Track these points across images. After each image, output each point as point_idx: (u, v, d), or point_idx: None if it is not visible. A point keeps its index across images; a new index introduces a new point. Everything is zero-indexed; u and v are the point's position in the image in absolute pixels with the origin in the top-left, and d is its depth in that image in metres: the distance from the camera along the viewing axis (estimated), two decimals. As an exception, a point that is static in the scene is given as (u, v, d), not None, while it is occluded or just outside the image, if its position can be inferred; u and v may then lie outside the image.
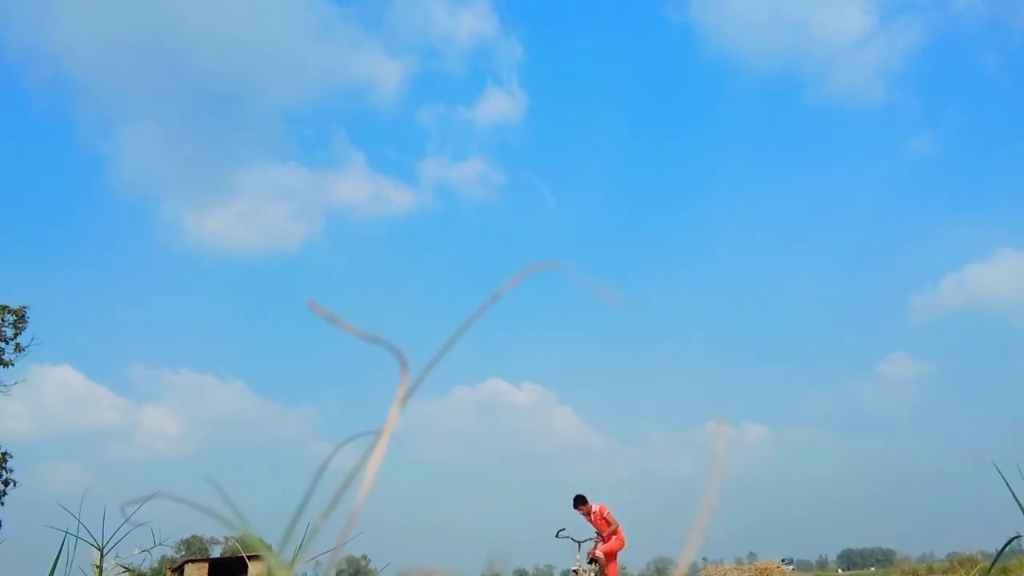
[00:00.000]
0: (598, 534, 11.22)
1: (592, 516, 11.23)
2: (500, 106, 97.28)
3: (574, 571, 10.96)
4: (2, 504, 24.34)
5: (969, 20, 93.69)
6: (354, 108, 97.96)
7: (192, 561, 19.69)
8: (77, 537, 2.96)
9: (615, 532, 11.11)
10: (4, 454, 24.76)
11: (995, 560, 2.20)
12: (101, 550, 3.04)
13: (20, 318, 25.05)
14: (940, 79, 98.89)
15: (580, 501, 11.18)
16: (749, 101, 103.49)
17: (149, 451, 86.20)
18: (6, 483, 24.63)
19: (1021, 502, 2.04)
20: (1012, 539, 2.03)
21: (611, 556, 11.14)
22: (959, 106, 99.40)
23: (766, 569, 21.56)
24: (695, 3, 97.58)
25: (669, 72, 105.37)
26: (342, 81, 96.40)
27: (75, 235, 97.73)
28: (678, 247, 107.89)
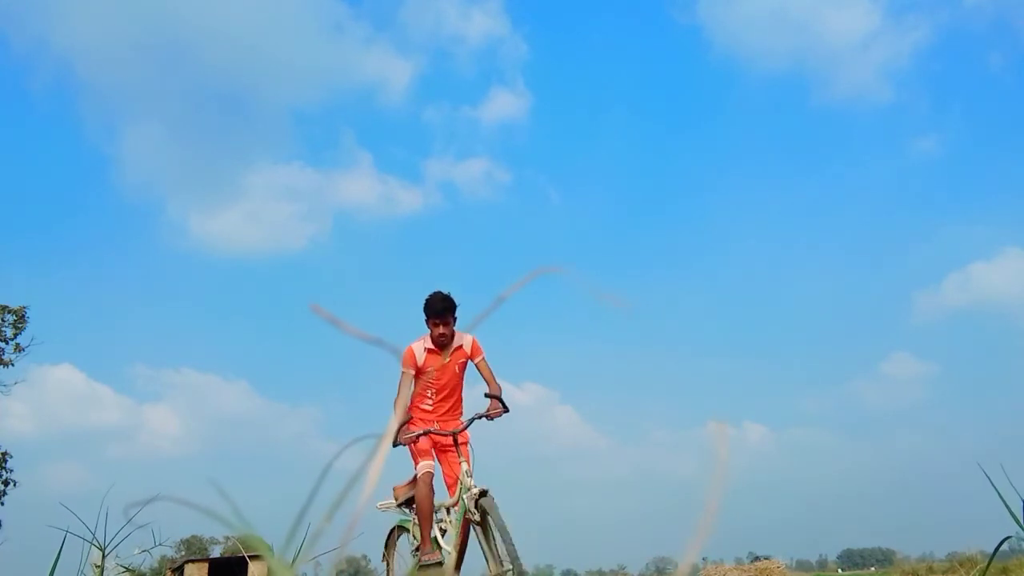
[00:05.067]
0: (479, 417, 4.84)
1: (461, 352, 4.99)
2: (505, 106, 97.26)
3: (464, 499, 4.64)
4: (2, 504, 24.38)
5: (977, 19, 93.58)
6: (363, 108, 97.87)
7: (192, 561, 19.69)
8: (79, 537, 2.97)
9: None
10: (4, 454, 24.77)
11: (989, 561, 2.20)
12: (103, 550, 3.05)
13: (20, 318, 25.05)
14: (947, 78, 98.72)
15: (453, 307, 4.81)
16: (755, 102, 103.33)
17: (151, 451, 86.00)
18: (6, 483, 24.64)
19: (1007, 502, 2.04)
20: (1004, 540, 2.03)
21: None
22: (965, 105, 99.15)
23: (766, 569, 21.62)
24: (702, 5, 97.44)
25: (675, 73, 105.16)
26: (351, 81, 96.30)
27: (78, 235, 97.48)
28: (681, 246, 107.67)
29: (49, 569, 2.64)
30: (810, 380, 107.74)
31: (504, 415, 4.83)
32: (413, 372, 4.89)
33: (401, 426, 4.72)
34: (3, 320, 24.89)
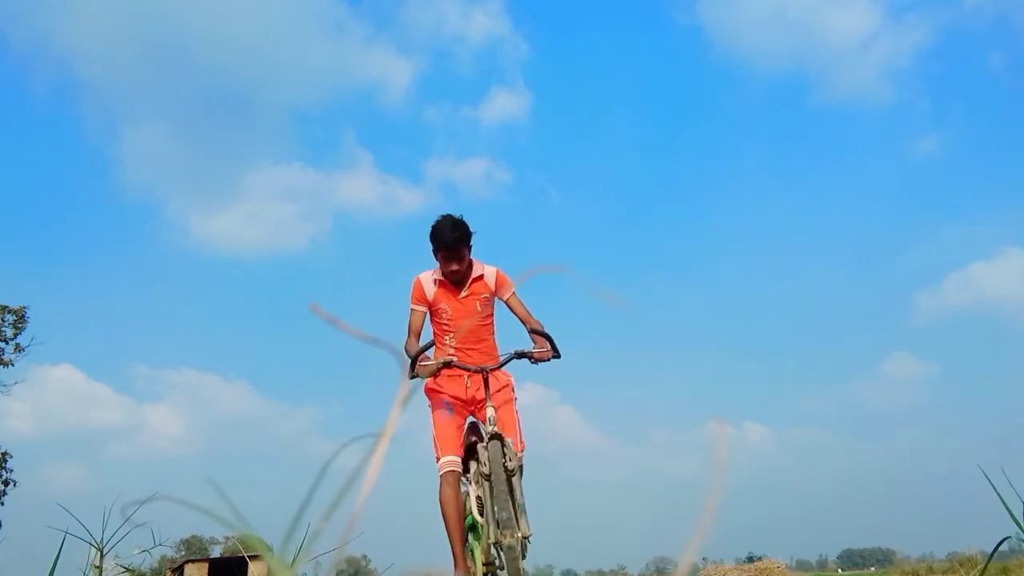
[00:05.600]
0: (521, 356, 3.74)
1: (482, 285, 3.96)
2: (505, 105, 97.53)
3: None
4: (2, 504, 24.37)
5: (977, 19, 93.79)
6: (363, 108, 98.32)
7: (192, 561, 19.71)
8: (78, 537, 2.97)
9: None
10: (4, 454, 24.77)
11: (988, 561, 2.20)
12: (101, 550, 3.05)
13: (20, 318, 25.06)
14: (947, 78, 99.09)
15: (467, 236, 3.83)
16: (755, 102, 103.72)
17: (152, 450, 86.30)
18: (6, 483, 24.65)
19: (1006, 502, 2.04)
20: (1002, 540, 2.03)
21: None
22: (966, 105, 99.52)
23: (766, 569, 21.62)
24: (702, 6, 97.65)
25: (676, 74, 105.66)
26: (352, 81, 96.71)
27: (79, 235, 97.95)
28: (681, 246, 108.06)
29: (48, 569, 2.64)
30: (810, 380, 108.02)
31: (554, 360, 3.72)
32: (424, 309, 3.94)
33: (417, 355, 3.64)
34: (3, 320, 24.89)
